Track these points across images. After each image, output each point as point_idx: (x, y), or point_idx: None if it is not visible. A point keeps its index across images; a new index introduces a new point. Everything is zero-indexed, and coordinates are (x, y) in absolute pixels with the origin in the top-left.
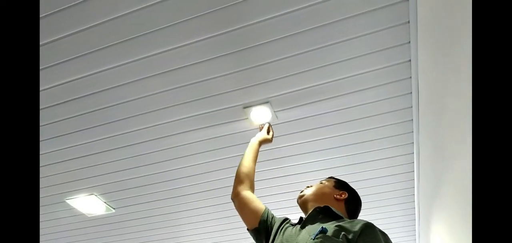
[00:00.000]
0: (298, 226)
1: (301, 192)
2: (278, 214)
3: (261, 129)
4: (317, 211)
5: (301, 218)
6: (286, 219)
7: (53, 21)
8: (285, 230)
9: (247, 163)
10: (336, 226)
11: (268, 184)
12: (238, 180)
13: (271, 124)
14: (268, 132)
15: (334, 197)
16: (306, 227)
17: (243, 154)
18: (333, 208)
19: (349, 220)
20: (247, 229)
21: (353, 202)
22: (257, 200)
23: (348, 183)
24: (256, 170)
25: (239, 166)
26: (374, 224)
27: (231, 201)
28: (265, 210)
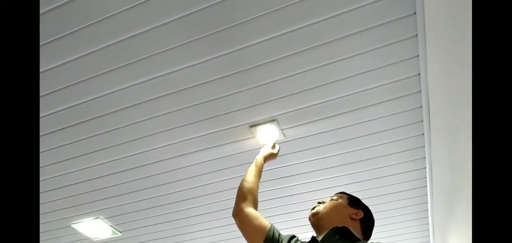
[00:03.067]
0: None
1: (313, 209)
2: (286, 234)
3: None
4: (334, 231)
5: (313, 237)
6: (293, 236)
7: (55, 47)
8: None
9: (250, 179)
10: None
11: (276, 204)
12: (241, 196)
13: (278, 142)
14: (273, 147)
15: (350, 216)
16: None
17: (246, 170)
18: (351, 230)
19: None
20: None
21: (368, 222)
22: (261, 217)
23: (361, 200)
24: (263, 189)
25: (241, 182)
26: None
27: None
28: (270, 227)
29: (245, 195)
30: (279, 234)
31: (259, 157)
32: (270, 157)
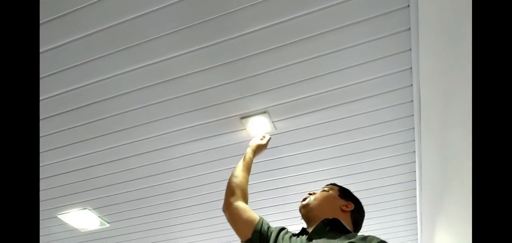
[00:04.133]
0: (303, 237)
1: (304, 200)
2: (275, 226)
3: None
4: (324, 223)
5: (303, 229)
6: (283, 228)
7: (44, 32)
8: (289, 240)
9: (238, 173)
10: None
11: (266, 196)
12: (230, 191)
13: (269, 134)
14: (262, 139)
15: (340, 208)
16: (313, 241)
17: (236, 165)
18: (342, 222)
19: (360, 236)
20: (241, 242)
21: (358, 213)
22: (250, 210)
23: (352, 192)
24: (254, 181)
25: (230, 177)
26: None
27: None
28: (259, 220)
29: (233, 190)
30: (268, 226)
31: (248, 151)
32: (259, 149)
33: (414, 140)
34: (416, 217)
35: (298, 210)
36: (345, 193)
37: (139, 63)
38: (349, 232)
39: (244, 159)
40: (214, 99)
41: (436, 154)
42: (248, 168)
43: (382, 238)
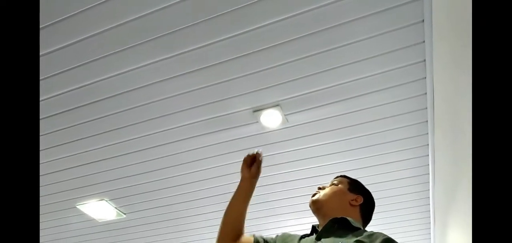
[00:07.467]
0: (313, 237)
1: (314, 196)
2: (290, 218)
3: (251, 159)
4: (333, 222)
5: (313, 227)
6: (284, 233)
7: (60, 30)
8: (298, 241)
9: (229, 210)
10: (355, 241)
11: (278, 189)
12: (223, 231)
13: (281, 127)
14: (251, 164)
15: (349, 203)
16: (322, 240)
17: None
18: (350, 220)
19: (368, 233)
20: None
21: (368, 206)
22: (242, 237)
23: (362, 183)
24: (266, 175)
25: (226, 211)
26: (394, 239)
27: None
28: (253, 240)
29: (227, 231)
30: (264, 240)
31: (241, 181)
32: (252, 175)
33: (427, 134)
34: (429, 210)
35: (308, 205)
36: (354, 186)
37: (153, 58)
38: (357, 228)
39: (238, 190)
40: (227, 92)
41: (449, 148)
42: (244, 198)
43: (395, 231)
